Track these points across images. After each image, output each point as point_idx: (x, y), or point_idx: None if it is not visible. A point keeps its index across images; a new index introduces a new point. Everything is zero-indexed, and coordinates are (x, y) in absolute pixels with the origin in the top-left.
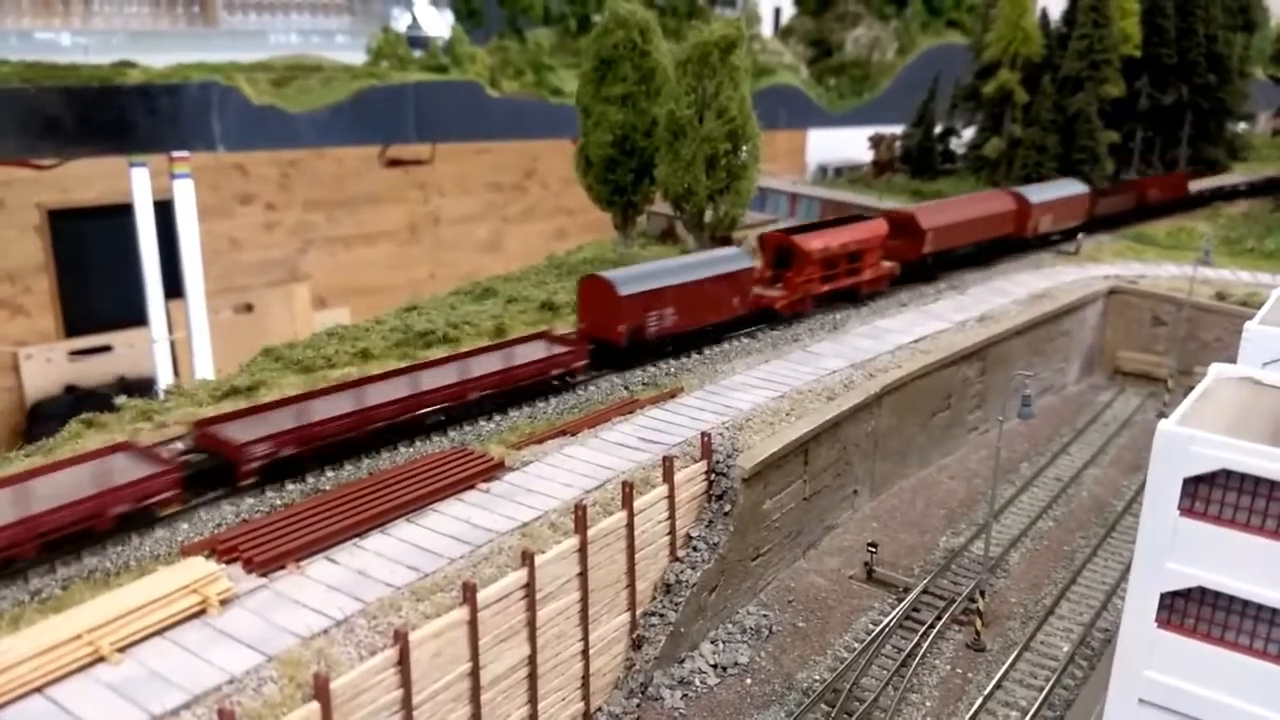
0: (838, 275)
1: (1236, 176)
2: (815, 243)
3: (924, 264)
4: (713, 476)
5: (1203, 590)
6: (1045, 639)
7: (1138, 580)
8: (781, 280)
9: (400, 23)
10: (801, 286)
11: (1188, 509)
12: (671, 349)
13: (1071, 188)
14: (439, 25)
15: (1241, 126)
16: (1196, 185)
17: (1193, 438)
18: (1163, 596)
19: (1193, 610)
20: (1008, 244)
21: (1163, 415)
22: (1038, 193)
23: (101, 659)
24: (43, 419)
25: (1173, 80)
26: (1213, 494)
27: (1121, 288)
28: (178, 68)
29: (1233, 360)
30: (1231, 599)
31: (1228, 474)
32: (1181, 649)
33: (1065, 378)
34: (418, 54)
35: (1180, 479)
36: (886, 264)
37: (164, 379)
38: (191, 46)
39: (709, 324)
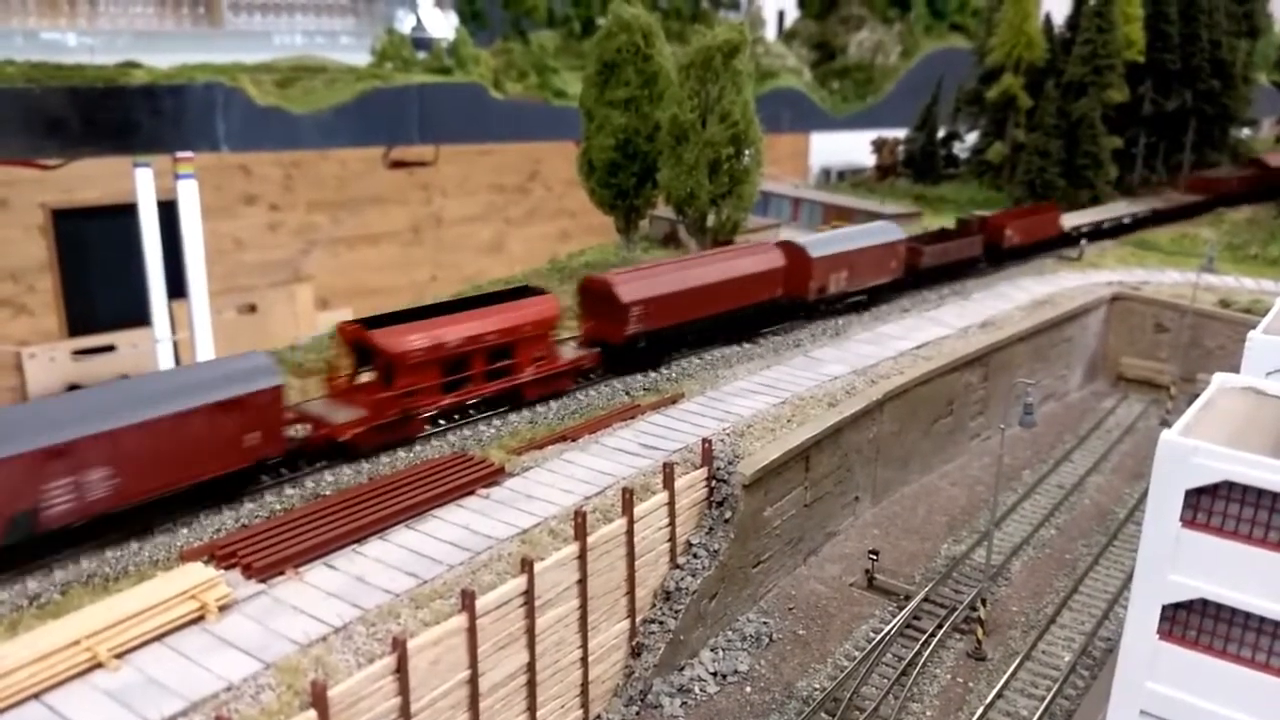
0: (470, 380)
1: (1122, 207)
2: (415, 339)
3: (633, 348)
4: (713, 483)
5: (1204, 602)
6: (1047, 648)
7: (1139, 591)
8: (366, 392)
9: (404, 24)
10: (394, 403)
11: (1190, 520)
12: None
13: (883, 234)
14: (443, 27)
15: (1245, 132)
16: (1075, 220)
17: (1195, 449)
18: (1164, 608)
19: (1194, 622)
20: (780, 310)
21: (1165, 423)
22: (826, 243)
23: (99, 665)
24: None
25: (1176, 86)
26: (1215, 505)
27: (1124, 294)
28: (182, 68)
29: (1236, 367)
30: (1234, 611)
31: (1230, 485)
32: (1183, 661)
33: (1068, 384)
34: (421, 55)
35: (1182, 490)
36: (571, 354)
37: None
38: (196, 47)
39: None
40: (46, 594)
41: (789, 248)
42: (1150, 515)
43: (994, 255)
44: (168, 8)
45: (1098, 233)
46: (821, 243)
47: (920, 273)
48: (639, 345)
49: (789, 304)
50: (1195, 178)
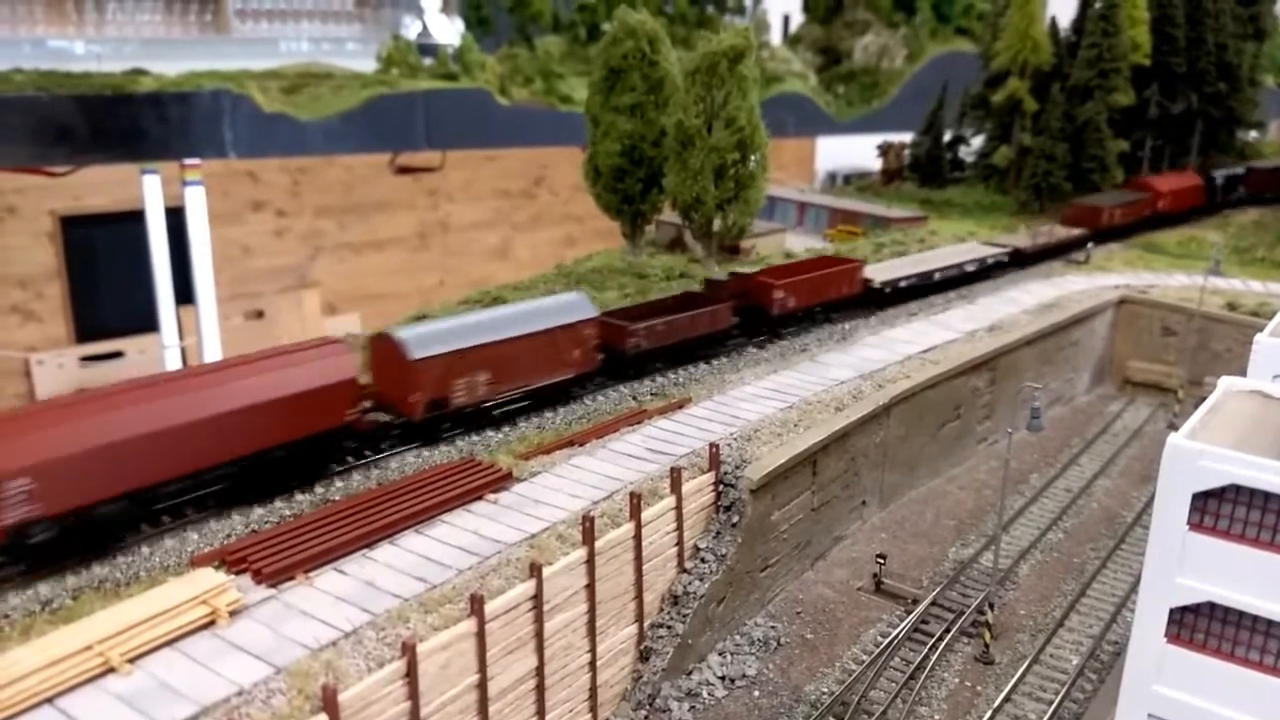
0: None
1: (963, 251)
2: None
3: None
4: (721, 488)
5: (1212, 605)
6: (1054, 652)
7: (1147, 595)
8: None
9: (410, 30)
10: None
11: (1197, 524)
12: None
13: (562, 313)
14: (449, 33)
15: (1252, 135)
16: (888, 272)
17: (1202, 452)
18: (1172, 611)
19: (1202, 625)
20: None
21: (1173, 426)
22: (451, 334)
23: (111, 670)
24: None
25: (1182, 89)
26: (1222, 509)
27: (1131, 297)
28: (190, 75)
29: (1244, 370)
30: (1241, 614)
31: (1237, 489)
32: (1191, 664)
33: (1075, 388)
34: (428, 62)
35: (1189, 494)
36: None
37: None
38: (203, 54)
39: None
40: (59, 599)
41: (380, 344)
42: (1157, 519)
43: (756, 324)
44: (175, 15)
45: (923, 288)
46: (440, 335)
47: (628, 359)
48: None
49: (364, 433)
50: (1077, 205)
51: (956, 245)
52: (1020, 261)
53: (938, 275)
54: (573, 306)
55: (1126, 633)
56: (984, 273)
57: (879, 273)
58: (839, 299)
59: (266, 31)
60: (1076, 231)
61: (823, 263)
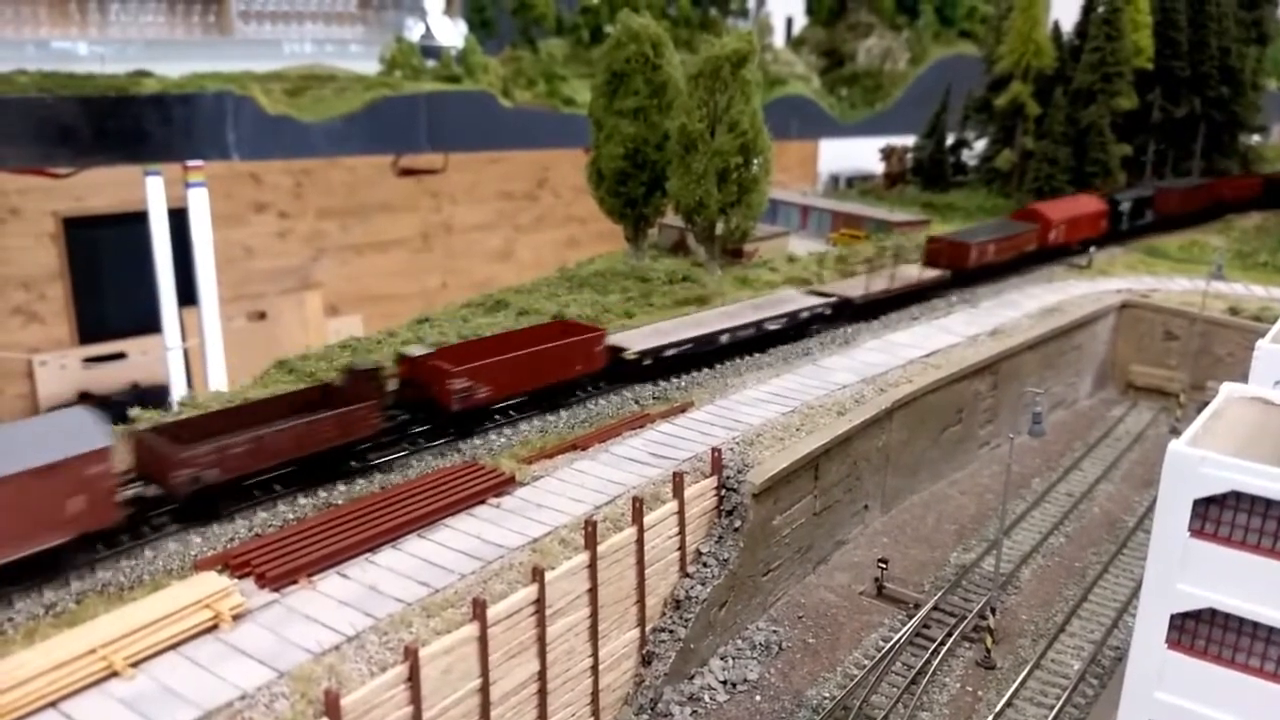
0: None
1: (748, 312)
2: None
3: None
4: (723, 492)
5: (1213, 612)
6: (1056, 657)
7: (1148, 601)
8: None
9: (413, 33)
10: None
11: (1198, 530)
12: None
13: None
14: (452, 35)
15: (1255, 139)
16: (647, 339)
17: (1203, 459)
18: (1173, 618)
19: (1203, 632)
20: None
21: (1175, 431)
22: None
23: (115, 674)
24: None
25: (1185, 93)
26: (1223, 515)
27: (1133, 302)
28: (193, 77)
29: (1246, 375)
30: (1242, 621)
31: (1238, 495)
32: (1192, 670)
33: (1077, 392)
34: (431, 64)
35: (1190, 500)
36: None
37: (177, 386)
38: (206, 56)
39: None
40: (62, 603)
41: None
42: (1158, 525)
43: (430, 423)
44: (178, 17)
45: (704, 355)
46: None
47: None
48: None
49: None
50: (937, 240)
51: (770, 296)
52: (851, 314)
53: (725, 338)
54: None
55: (1128, 638)
56: (800, 329)
57: (638, 339)
58: (567, 380)
59: (270, 33)
60: (933, 273)
61: (545, 333)
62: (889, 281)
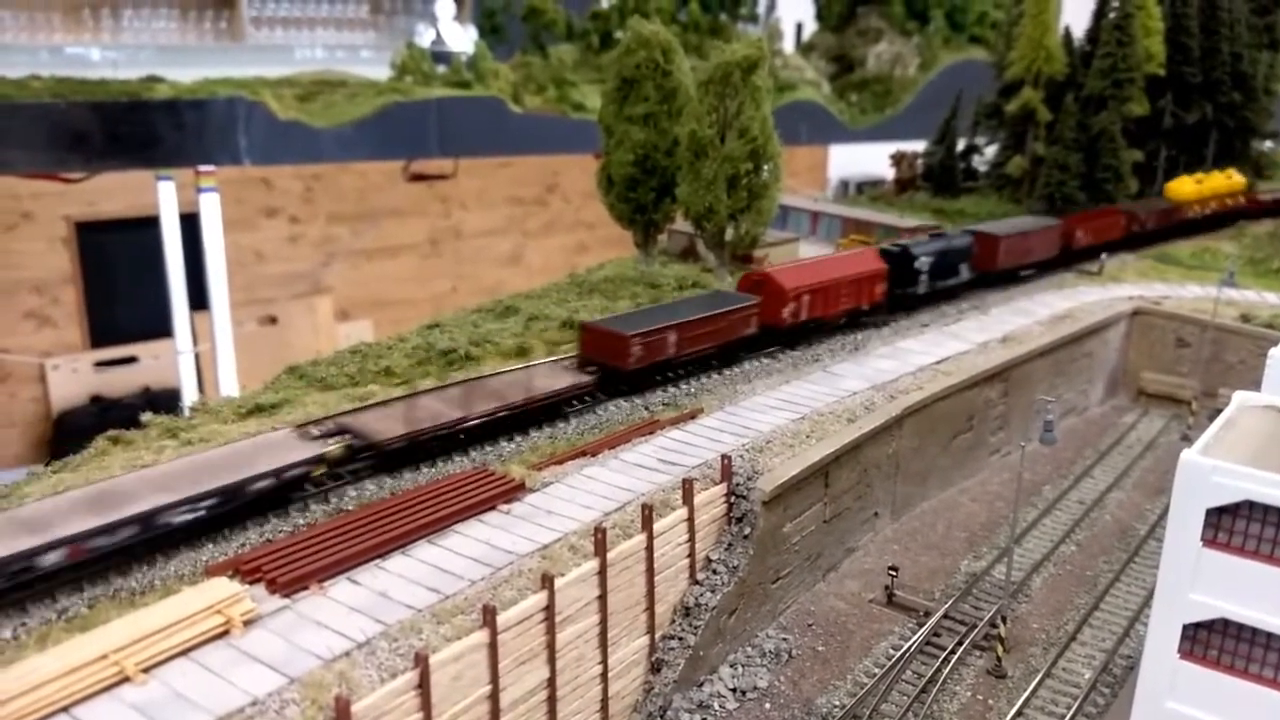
0: None
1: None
2: None
3: None
4: (733, 499)
5: (1226, 622)
6: (1067, 666)
7: (1160, 611)
8: None
9: (424, 39)
10: None
11: (1211, 540)
12: None
13: None
14: (463, 41)
15: (1267, 145)
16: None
17: (1215, 468)
18: (1185, 627)
19: (1215, 642)
20: None
21: (1187, 438)
22: None
23: (126, 679)
24: (68, 429)
25: (1197, 99)
26: (1236, 525)
27: (1145, 308)
28: (204, 83)
29: (1258, 382)
30: (1255, 631)
31: (1251, 505)
32: (1204, 680)
33: (1088, 399)
34: (441, 69)
35: (1203, 509)
36: None
37: (188, 390)
38: (218, 61)
39: None
40: (74, 608)
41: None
42: (1171, 534)
43: None
44: (190, 22)
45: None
46: None
47: None
48: None
49: None
50: (589, 329)
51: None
52: (377, 462)
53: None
54: None
55: (1139, 647)
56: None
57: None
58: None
59: (281, 39)
60: (564, 384)
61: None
62: (492, 400)
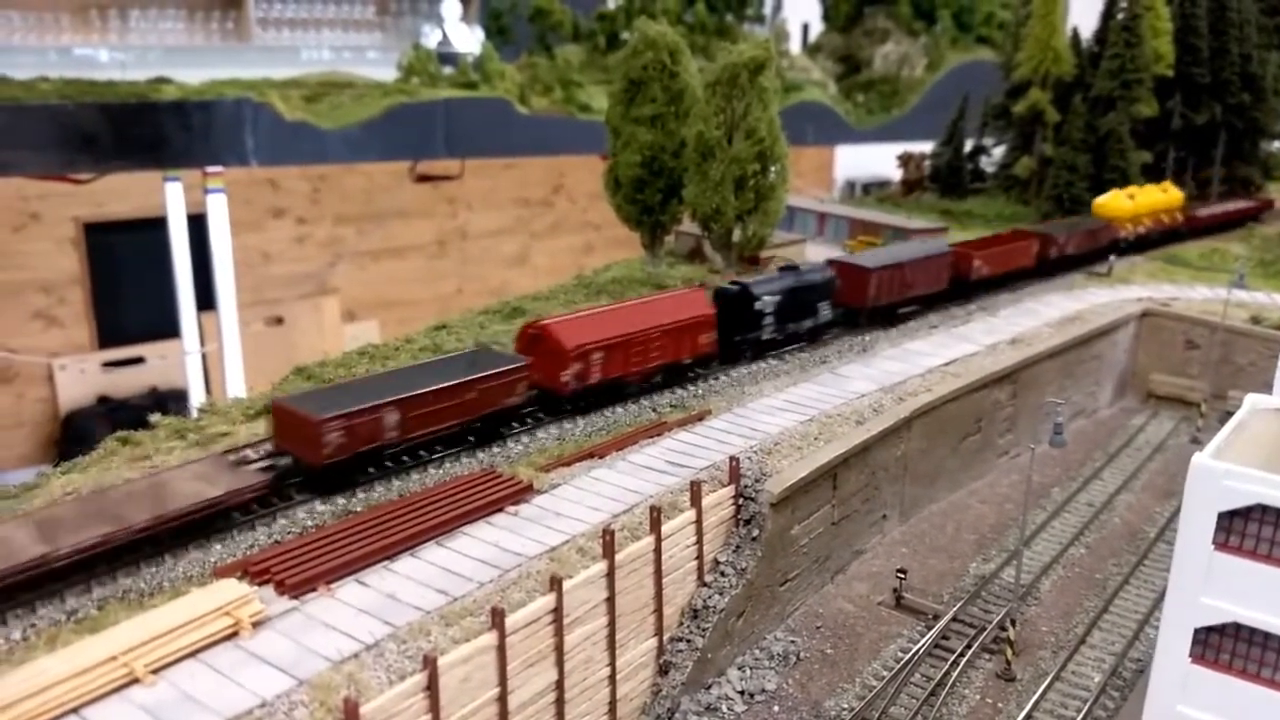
0: None
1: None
2: None
3: None
4: (741, 501)
5: (1237, 626)
6: (1076, 669)
7: (1171, 614)
8: None
9: (431, 40)
10: None
11: (1222, 543)
12: None
13: None
14: (469, 42)
15: (1276, 146)
16: None
17: (1227, 472)
18: (1196, 631)
19: (1227, 645)
20: None
21: (1196, 440)
22: None
23: (135, 680)
24: (76, 429)
25: (1206, 99)
26: (1248, 528)
27: (1154, 310)
28: (212, 84)
29: (1268, 384)
30: (1267, 635)
31: (1263, 509)
32: (1215, 684)
33: (1097, 401)
34: (448, 71)
35: (1214, 513)
36: None
37: (196, 390)
38: (226, 62)
39: None
40: (84, 609)
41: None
42: (1182, 537)
43: None
44: (198, 24)
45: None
46: None
47: None
48: None
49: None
50: (282, 412)
51: None
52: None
53: None
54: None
55: (1149, 650)
56: None
57: None
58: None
59: (288, 40)
60: (220, 490)
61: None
62: (90, 523)
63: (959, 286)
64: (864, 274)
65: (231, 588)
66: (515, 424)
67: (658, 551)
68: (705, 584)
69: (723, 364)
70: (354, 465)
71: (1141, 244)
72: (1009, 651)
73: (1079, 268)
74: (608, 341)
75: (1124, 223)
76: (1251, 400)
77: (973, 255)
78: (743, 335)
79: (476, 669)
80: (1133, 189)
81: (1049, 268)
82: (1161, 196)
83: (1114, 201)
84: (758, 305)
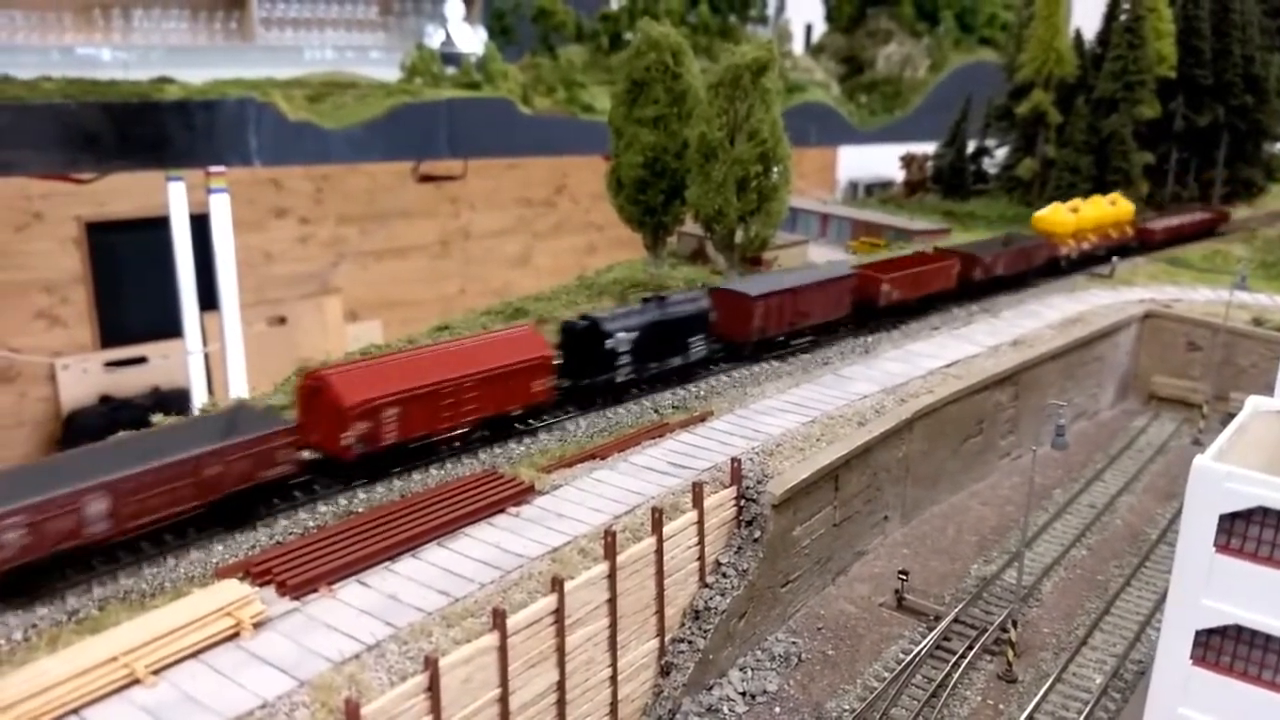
0: None
1: None
2: None
3: None
4: (742, 502)
5: (1239, 628)
6: (1078, 670)
7: (1172, 616)
8: None
9: (434, 40)
10: None
11: (1224, 545)
12: None
13: None
14: (472, 42)
15: (1278, 147)
16: None
17: (1229, 474)
18: (1197, 633)
19: (1228, 648)
20: None
21: (1198, 442)
22: None
23: (136, 681)
24: (78, 429)
25: (1209, 101)
26: (1249, 531)
27: (1156, 312)
28: (215, 83)
29: (1270, 386)
30: (1268, 638)
31: (1265, 511)
32: (1216, 686)
33: (1099, 403)
34: (451, 71)
35: (1216, 515)
36: None
37: (198, 390)
38: (229, 62)
39: None
40: (85, 610)
41: None
42: (1183, 540)
43: None
44: (201, 23)
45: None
46: None
47: None
48: None
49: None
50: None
51: None
52: None
53: None
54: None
55: (1150, 652)
56: None
57: None
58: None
59: (291, 40)
60: None
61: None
62: None
63: (864, 313)
64: (747, 302)
65: (233, 588)
66: (277, 499)
67: (659, 553)
68: (707, 585)
69: (574, 409)
70: (42, 570)
71: (1086, 261)
72: (1010, 653)
73: (1013, 289)
74: (405, 394)
75: (1065, 239)
76: (1253, 402)
77: (880, 279)
78: (592, 378)
79: (478, 670)
80: (1077, 201)
81: (974, 290)
82: (1109, 209)
83: (1054, 215)
84: (609, 344)
